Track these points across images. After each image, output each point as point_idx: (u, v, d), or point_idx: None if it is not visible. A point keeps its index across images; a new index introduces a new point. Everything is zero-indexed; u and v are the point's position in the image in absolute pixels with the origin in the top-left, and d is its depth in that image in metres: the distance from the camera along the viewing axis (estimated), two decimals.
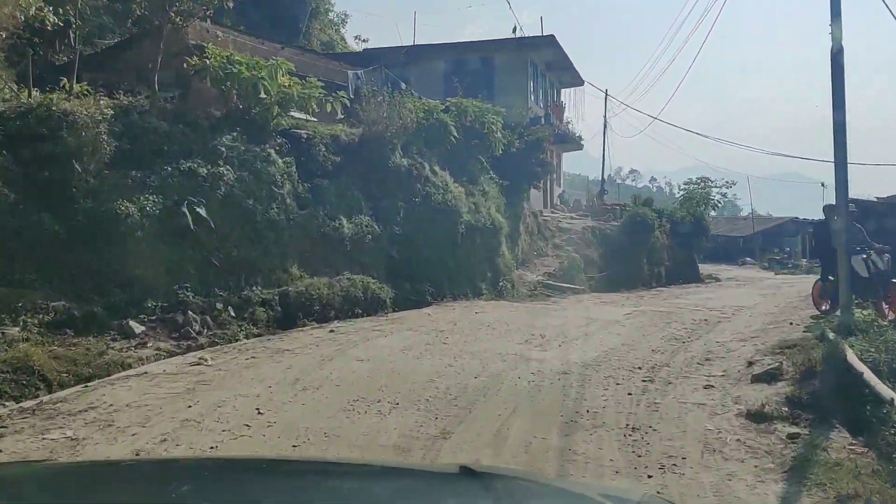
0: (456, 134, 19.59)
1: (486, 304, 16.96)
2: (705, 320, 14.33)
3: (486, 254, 19.46)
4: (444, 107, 20.53)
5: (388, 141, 17.02)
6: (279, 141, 14.81)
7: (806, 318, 14.55)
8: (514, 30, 30.85)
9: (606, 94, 46.61)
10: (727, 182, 38.50)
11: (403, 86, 19.70)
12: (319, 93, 15.62)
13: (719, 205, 38.48)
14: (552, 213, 32.70)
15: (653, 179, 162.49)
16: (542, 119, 28.02)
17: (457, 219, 18.27)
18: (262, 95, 14.11)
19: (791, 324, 13.41)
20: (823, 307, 14.78)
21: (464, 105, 21.07)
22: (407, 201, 17.12)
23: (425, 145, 18.86)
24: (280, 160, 14.30)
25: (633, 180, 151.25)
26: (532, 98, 30.93)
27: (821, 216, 16.14)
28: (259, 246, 13.21)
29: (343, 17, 43.03)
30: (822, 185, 61.53)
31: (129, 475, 2.51)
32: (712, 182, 37.41)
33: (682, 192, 37.90)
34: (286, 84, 14.96)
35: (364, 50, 32.49)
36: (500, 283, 19.62)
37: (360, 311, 14.18)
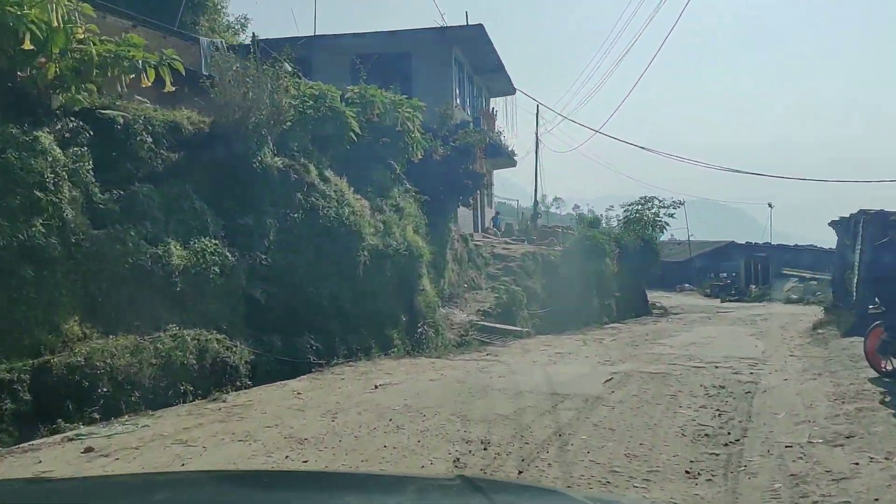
0: (358, 130, 14.56)
1: (395, 365, 11.86)
2: (724, 388, 9.55)
3: (399, 289, 14.38)
4: (343, 95, 15.53)
5: (254, 133, 11.84)
6: (70, 125, 9.44)
7: (859, 379, 9.95)
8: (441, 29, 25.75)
9: (538, 109, 42.50)
10: (675, 202, 34.54)
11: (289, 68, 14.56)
12: (140, 55, 10.27)
13: (667, 227, 34.49)
14: (485, 237, 27.95)
15: (576, 207, 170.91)
16: (471, 124, 23.27)
17: (357, 243, 13.17)
18: (28, 47, 8.76)
19: (858, 397, 8.72)
20: (885, 367, 10.20)
21: (370, 94, 16.07)
22: (282, 218, 11.96)
23: (314, 143, 13.78)
24: (60, 152, 8.92)
25: (557, 208, 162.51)
26: (458, 101, 26.22)
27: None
28: (3, 290, 7.79)
29: (243, 20, 37.47)
30: (770, 205, 59.46)
31: (123, 490, 2.46)
32: (660, 201, 33.37)
33: (625, 214, 33.69)
34: (87, 40, 9.67)
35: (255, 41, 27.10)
36: (420, 330, 14.54)
37: (193, 390, 8.89)
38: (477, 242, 23.87)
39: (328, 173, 13.63)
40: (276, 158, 12.38)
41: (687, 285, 56.60)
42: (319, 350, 11.76)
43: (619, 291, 27.32)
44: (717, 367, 11.54)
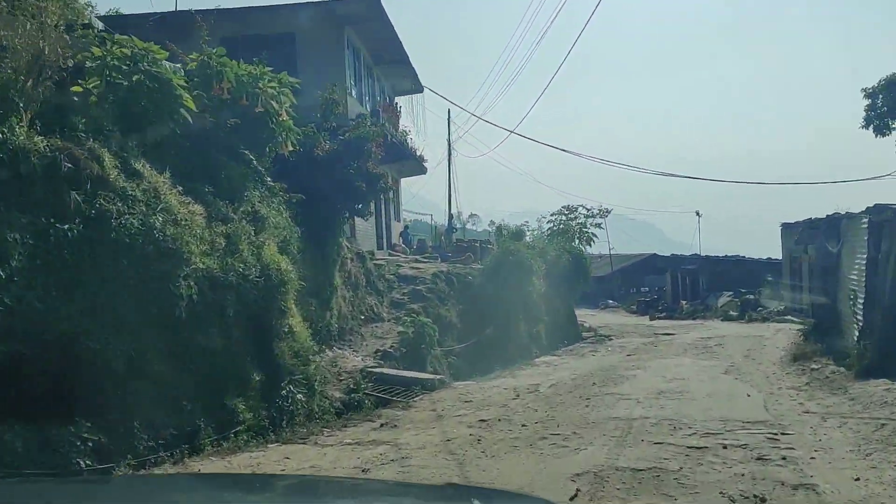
0: (194, 107, 10.10)
1: (223, 466, 7.38)
2: None
3: (250, 335, 9.88)
4: (183, 67, 11.10)
5: None
6: None
7: None
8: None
9: (450, 113, 38.59)
10: (602, 210, 31.14)
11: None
12: None
13: (595, 238, 31.01)
14: (392, 255, 23.65)
15: (492, 223, 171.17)
16: (369, 120, 18.96)
17: (177, 267, 8.64)
18: None
19: None
20: None
21: (217, 63, 11.62)
22: (42, 232, 7.39)
23: (122, 122, 9.27)
24: None
25: (473, 224, 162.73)
26: (354, 92, 21.89)
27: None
28: None
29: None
30: (698, 213, 57.39)
31: (119, 490, 2.49)
32: (587, 210, 29.85)
33: (548, 225, 30.00)
34: None
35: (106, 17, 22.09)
36: (285, 392, 10.05)
37: None
38: (378, 262, 19.55)
39: (139, 165, 9.10)
40: (39, 138, 7.80)
41: (610, 301, 53.67)
42: (101, 447, 7.21)
43: (547, 315, 23.48)
44: (724, 447, 7.55)
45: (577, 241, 29.30)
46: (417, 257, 24.02)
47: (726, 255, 41.91)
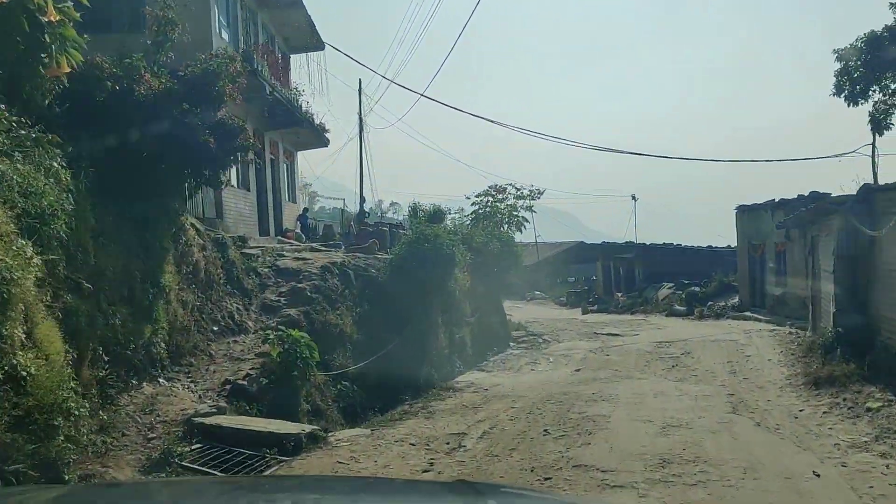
0: None
1: None
2: None
3: None
4: None
5: None
6: None
7: None
8: None
9: (360, 84, 33.67)
10: (534, 191, 26.98)
11: None
12: None
13: (526, 223, 26.79)
14: (280, 242, 18.85)
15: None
16: (239, 62, 14.03)
17: None
18: None
19: None
20: None
21: None
22: None
23: None
24: None
25: (394, 212, 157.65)
26: (218, 24, 16.85)
27: None
28: None
29: None
30: (634, 197, 54.06)
31: (133, 496, 2.47)
32: (517, 189, 25.60)
33: (473, 208, 25.69)
34: None
35: None
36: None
37: None
38: (251, 251, 14.71)
39: None
40: None
41: (537, 292, 49.87)
42: None
43: (473, 315, 19.12)
44: None
45: (506, 227, 24.97)
46: (314, 245, 19.27)
47: (665, 244, 38.48)
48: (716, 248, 36.88)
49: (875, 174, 24.12)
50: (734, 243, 36.62)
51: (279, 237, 20.39)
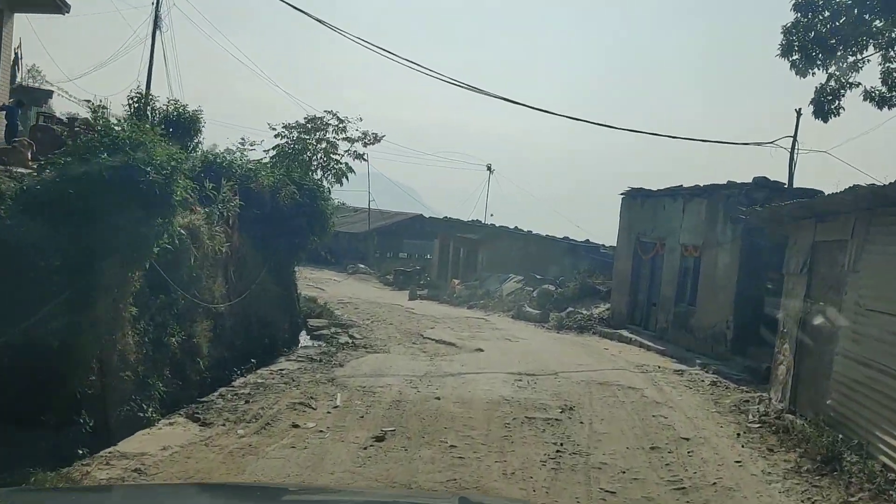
0: None
1: None
2: None
3: None
4: None
5: None
6: None
7: None
8: None
9: None
10: (368, 134, 19.54)
11: None
12: None
13: (351, 174, 19.27)
14: None
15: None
16: None
17: None
18: None
19: None
20: None
21: None
22: None
23: None
24: None
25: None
26: None
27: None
28: None
29: None
30: (489, 168, 47.42)
31: (131, 499, 2.53)
32: (341, 122, 18.07)
33: (275, 147, 17.81)
34: None
35: None
36: None
37: None
38: None
39: None
40: None
41: (362, 266, 42.61)
42: None
43: (228, 300, 11.45)
44: None
45: (320, 174, 17.41)
46: None
47: (517, 228, 32.35)
48: (574, 241, 31.19)
49: (791, 173, 18.78)
50: (600, 238, 31.11)
51: None
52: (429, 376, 11.31)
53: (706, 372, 12.68)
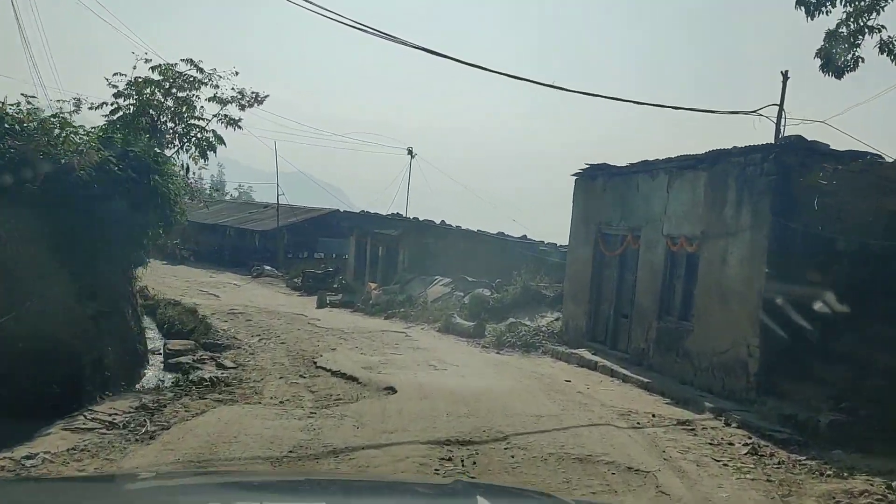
0: None
1: None
2: None
3: None
4: None
5: None
6: None
7: None
8: None
9: None
10: (247, 94, 14.69)
11: None
12: None
13: (219, 146, 14.37)
14: None
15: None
16: None
17: None
18: None
19: None
20: None
21: None
22: None
23: None
24: None
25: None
26: None
27: None
28: None
29: None
30: (410, 152, 42.10)
31: (118, 490, 2.43)
32: (205, 73, 13.25)
33: (113, 107, 12.80)
34: None
35: None
36: None
37: None
38: None
39: None
40: None
41: (268, 268, 37.41)
42: None
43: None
44: None
45: (177, 145, 12.53)
46: None
47: (444, 223, 27.86)
48: (510, 237, 26.91)
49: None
50: (541, 235, 27.00)
51: None
52: (293, 456, 6.65)
53: (727, 424, 8.41)
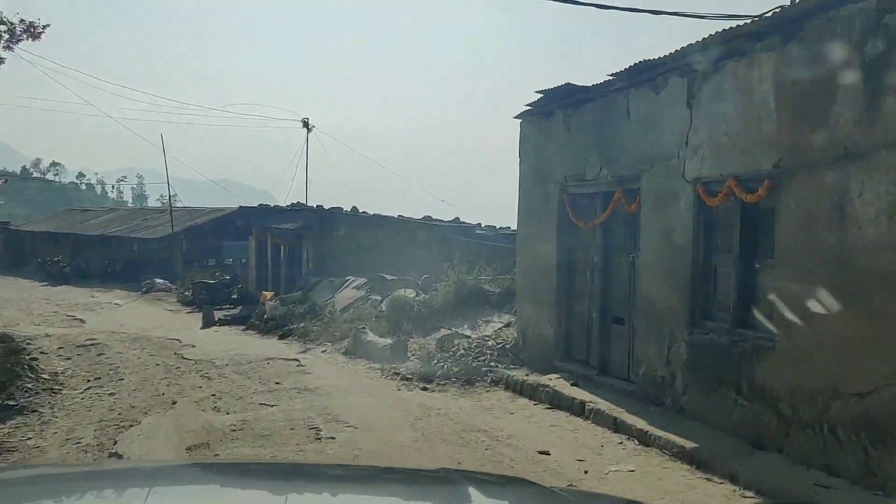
0: None
1: None
2: None
3: None
4: None
5: None
6: None
7: None
8: None
9: None
10: (25, 25, 9.23)
11: None
12: None
13: None
14: None
15: (81, 175, 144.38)
16: None
17: None
18: None
19: None
20: None
21: None
22: None
23: None
24: None
25: (55, 174, 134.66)
26: None
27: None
28: None
29: None
30: (307, 125, 36.01)
31: (116, 479, 2.39)
32: None
33: None
34: None
35: None
36: None
37: None
38: None
39: None
40: None
41: (159, 280, 31.45)
42: None
43: None
44: None
45: None
46: None
47: (358, 210, 22.65)
48: (439, 221, 21.88)
49: None
50: (472, 217, 22.03)
51: None
52: None
53: None
